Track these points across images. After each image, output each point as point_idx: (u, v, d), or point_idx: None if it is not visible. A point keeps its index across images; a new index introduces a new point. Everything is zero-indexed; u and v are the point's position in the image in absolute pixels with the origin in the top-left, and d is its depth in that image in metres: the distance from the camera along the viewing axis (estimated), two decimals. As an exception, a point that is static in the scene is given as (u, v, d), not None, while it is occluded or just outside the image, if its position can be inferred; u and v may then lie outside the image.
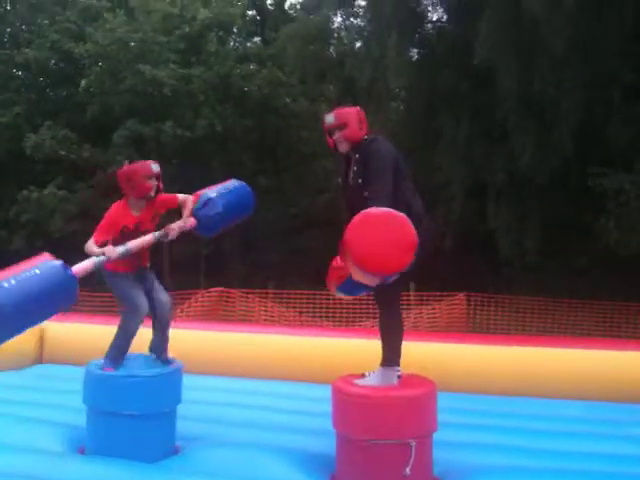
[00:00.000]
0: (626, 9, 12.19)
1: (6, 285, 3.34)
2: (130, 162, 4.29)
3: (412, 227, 3.32)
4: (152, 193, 4.22)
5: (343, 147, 3.91)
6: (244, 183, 4.76)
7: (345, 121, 3.86)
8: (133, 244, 4.06)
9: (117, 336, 4.22)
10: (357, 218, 3.31)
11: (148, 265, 4.39)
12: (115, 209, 4.22)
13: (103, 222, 4.14)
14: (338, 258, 4.13)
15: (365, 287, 3.85)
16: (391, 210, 3.36)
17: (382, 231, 3.25)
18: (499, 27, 12.96)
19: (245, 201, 4.71)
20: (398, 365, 3.79)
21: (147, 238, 4.15)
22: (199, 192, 4.53)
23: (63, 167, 18.47)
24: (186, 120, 17.70)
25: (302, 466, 3.85)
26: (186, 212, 4.38)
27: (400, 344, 3.80)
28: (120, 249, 3.98)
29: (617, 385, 5.50)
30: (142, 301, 4.18)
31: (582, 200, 13.13)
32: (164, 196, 4.36)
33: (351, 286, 3.95)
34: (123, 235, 4.14)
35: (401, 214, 3.35)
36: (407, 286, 11.72)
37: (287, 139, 21.11)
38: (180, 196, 4.44)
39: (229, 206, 4.49)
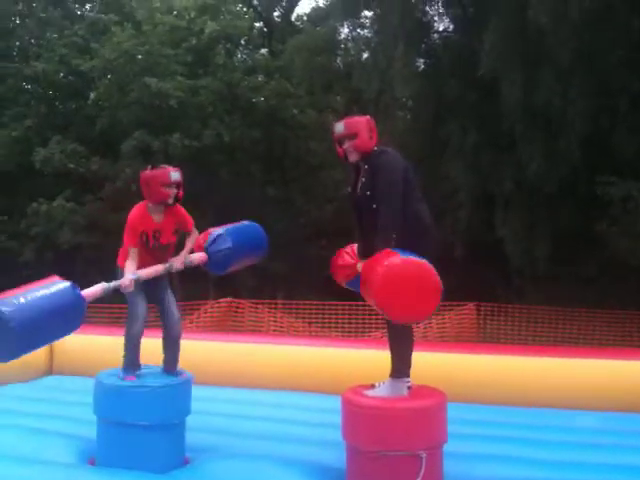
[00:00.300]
0: (632, 18, 12.20)
1: (15, 302, 3.35)
2: (152, 167, 4.30)
3: (436, 273, 3.39)
4: (170, 201, 4.24)
5: (353, 157, 3.88)
6: (256, 223, 4.77)
7: (355, 131, 3.82)
8: (144, 272, 4.11)
9: (125, 345, 4.25)
10: (384, 274, 3.33)
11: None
12: (134, 212, 4.26)
13: (126, 227, 4.21)
14: (345, 256, 4.15)
15: None
16: (414, 259, 3.40)
17: (410, 284, 3.31)
18: (505, 37, 12.98)
19: (257, 241, 4.71)
20: (408, 376, 3.77)
21: (157, 268, 4.19)
22: (211, 230, 4.54)
23: (72, 180, 18.59)
24: (194, 131, 17.80)
25: (312, 477, 3.83)
26: (187, 245, 4.39)
27: (410, 355, 3.78)
28: (131, 276, 4.03)
29: (631, 395, 5.45)
30: (141, 310, 4.20)
31: (590, 208, 13.08)
32: (185, 214, 4.39)
33: (358, 284, 4.04)
34: (141, 243, 4.18)
35: (424, 262, 3.40)
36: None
37: (295, 150, 21.17)
38: (194, 229, 4.44)
39: (239, 243, 4.49)
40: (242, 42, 21.72)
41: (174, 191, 4.23)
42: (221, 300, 12.00)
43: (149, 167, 4.33)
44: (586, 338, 11.52)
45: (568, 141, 12.76)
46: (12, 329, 3.24)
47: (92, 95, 18.44)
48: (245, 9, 22.50)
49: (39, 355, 7.01)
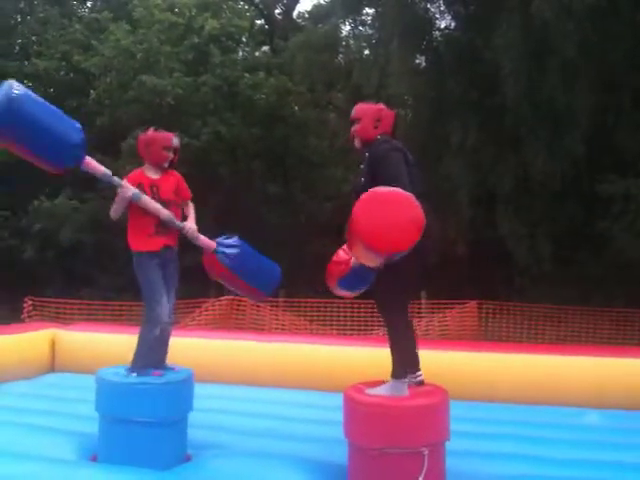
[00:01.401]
0: (636, 13, 12.16)
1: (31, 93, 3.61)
2: (156, 129, 4.40)
3: (419, 207, 3.30)
4: (165, 164, 4.34)
5: (356, 142, 3.99)
6: (277, 266, 4.70)
7: (359, 116, 3.91)
8: (148, 201, 4.12)
9: (139, 345, 4.18)
10: (366, 196, 3.31)
11: (175, 248, 4.37)
12: (131, 173, 4.34)
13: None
14: (340, 252, 4.15)
15: (366, 282, 3.91)
16: (399, 190, 3.35)
17: (390, 209, 3.24)
18: (508, 33, 12.95)
19: (263, 278, 4.59)
20: (412, 373, 3.76)
21: (164, 210, 4.17)
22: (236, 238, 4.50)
23: (74, 177, 18.59)
24: (193, 129, 17.79)
25: (313, 475, 3.83)
26: (190, 214, 4.41)
27: (410, 353, 3.74)
28: (134, 190, 4.08)
29: (635, 393, 5.45)
30: (164, 310, 4.14)
31: (594, 206, 13.05)
32: (184, 183, 4.45)
33: (353, 281, 4.03)
34: None
35: (409, 194, 3.34)
36: (418, 294, 11.68)
37: (296, 147, 21.16)
38: (190, 203, 4.48)
39: (248, 261, 4.42)
40: (243, 39, 21.69)
41: (171, 155, 4.34)
42: (222, 298, 11.99)
43: (151, 129, 4.41)
44: (588, 337, 11.50)
45: (572, 138, 12.73)
46: (11, 100, 3.47)
47: (93, 93, 18.46)
48: (247, 7, 22.49)
49: (41, 352, 7.04)
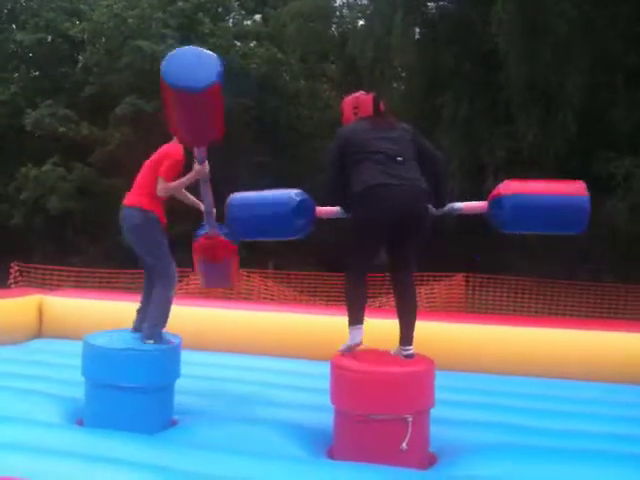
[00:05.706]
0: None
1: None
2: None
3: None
4: None
5: None
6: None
7: (342, 109, 4.14)
8: (208, 186, 4.22)
9: (154, 311, 4.15)
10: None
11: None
12: (177, 147, 4.25)
13: (171, 161, 4.20)
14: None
15: None
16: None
17: None
18: (504, 8, 12.80)
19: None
20: (360, 323, 3.86)
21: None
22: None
23: (61, 145, 18.39)
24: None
25: (299, 440, 3.86)
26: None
27: (356, 308, 3.86)
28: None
29: (618, 367, 5.52)
30: (175, 269, 4.22)
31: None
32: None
33: None
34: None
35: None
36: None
37: (287, 118, 20.97)
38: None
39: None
40: (235, 6, 21.34)
41: None
42: (211, 267, 11.94)
43: None
44: (573, 310, 11.62)
45: (565, 115, 12.69)
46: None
47: (81, 59, 18.17)
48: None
49: (28, 318, 7.03)
